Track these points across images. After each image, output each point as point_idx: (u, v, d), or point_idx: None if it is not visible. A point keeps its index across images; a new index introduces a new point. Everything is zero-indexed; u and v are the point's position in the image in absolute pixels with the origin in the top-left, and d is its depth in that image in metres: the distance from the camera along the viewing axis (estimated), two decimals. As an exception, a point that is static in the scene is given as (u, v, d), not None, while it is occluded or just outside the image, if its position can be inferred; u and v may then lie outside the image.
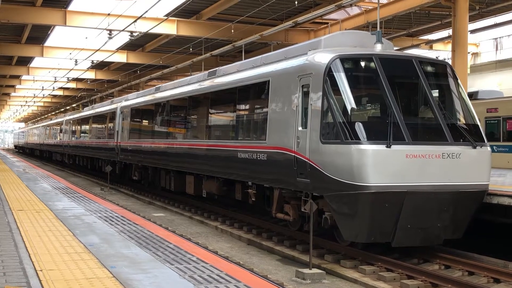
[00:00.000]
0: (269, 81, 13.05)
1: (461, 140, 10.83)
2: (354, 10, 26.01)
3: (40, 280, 6.32)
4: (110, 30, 25.48)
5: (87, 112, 37.26)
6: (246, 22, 26.21)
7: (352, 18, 26.18)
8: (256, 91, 13.98)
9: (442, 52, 32.39)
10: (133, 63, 38.08)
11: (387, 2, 23.47)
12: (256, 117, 14.01)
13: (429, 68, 11.61)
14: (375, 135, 10.28)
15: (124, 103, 26.86)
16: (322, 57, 11.24)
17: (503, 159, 20.89)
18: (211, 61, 34.29)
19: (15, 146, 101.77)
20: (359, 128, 10.32)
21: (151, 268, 7.04)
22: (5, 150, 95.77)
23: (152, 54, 36.75)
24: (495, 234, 12.31)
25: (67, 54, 34.80)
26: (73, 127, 40.39)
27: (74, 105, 64.98)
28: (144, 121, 23.98)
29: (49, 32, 31.65)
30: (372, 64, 11.04)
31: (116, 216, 11.80)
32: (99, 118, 32.26)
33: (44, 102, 73.77)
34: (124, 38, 29.57)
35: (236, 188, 15.27)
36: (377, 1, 19.66)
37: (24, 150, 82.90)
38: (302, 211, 11.61)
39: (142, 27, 25.61)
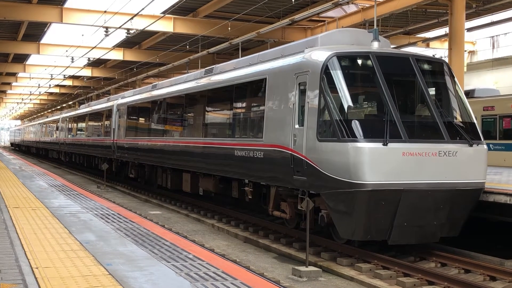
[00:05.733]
0: (266, 79, 13.03)
1: (458, 138, 10.85)
2: (351, 8, 25.97)
3: (35, 278, 6.30)
4: (107, 28, 25.39)
5: (83, 109, 37.18)
6: (242, 20, 26.18)
7: (349, 16, 26.16)
8: (253, 89, 13.96)
9: (439, 50, 32.42)
10: (130, 60, 37.99)
11: (384, 0, 23.45)
12: (253, 115, 13.99)
13: (426, 66, 11.61)
14: (371, 133, 10.28)
15: (120, 101, 26.81)
16: (319, 55, 11.23)
17: (499, 157, 20.93)
18: (208, 59, 34.25)
19: (11, 144, 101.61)
20: (356, 126, 10.32)
21: (147, 266, 7.02)
22: (1, 147, 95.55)
23: (148, 51, 36.67)
24: (492, 232, 12.33)
25: (64, 52, 34.71)
26: (70, 124, 40.29)
27: (70, 102, 64.91)
28: (140, 118, 23.93)
29: (46, 29, 31.54)
30: (369, 62, 11.03)
31: (112, 213, 11.77)
32: (96, 115, 32.19)
33: (40, 99, 73.64)
34: (121, 35, 29.52)
35: (232, 186, 15.26)
36: (374, -1, 19.67)
37: (20, 148, 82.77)
38: (299, 209, 11.62)
39: (139, 24, 25.54)
